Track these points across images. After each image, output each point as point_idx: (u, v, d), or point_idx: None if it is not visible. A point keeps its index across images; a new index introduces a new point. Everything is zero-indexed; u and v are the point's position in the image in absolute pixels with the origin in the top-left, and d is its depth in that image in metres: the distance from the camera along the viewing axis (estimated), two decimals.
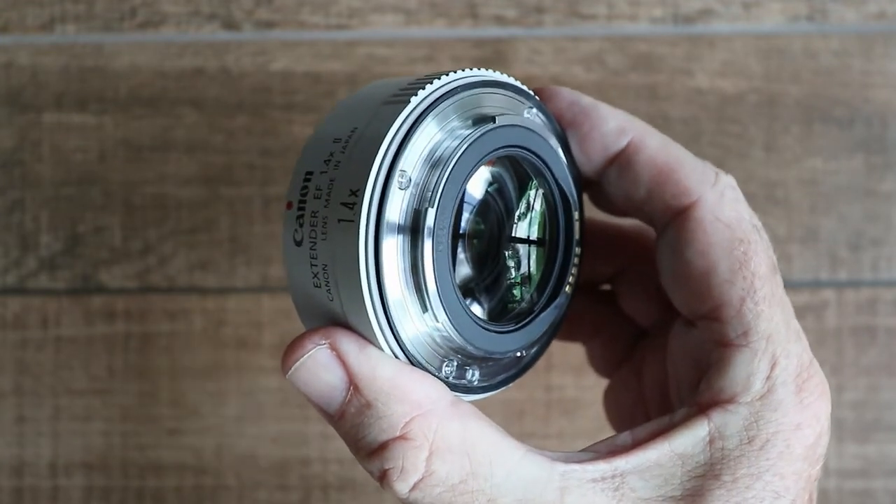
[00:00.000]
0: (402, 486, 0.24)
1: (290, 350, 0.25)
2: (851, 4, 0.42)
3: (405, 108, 0.25)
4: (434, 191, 0.25)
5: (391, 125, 0.25)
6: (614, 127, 0.27)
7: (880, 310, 0.42)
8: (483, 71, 0.27)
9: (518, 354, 0.29)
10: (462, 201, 0.26)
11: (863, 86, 0.42)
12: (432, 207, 0.24)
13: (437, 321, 0.25)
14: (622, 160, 0.28)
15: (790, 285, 0.42)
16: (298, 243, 0.25)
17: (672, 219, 0.27)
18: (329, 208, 0.24)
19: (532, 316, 0.28)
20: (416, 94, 0.25)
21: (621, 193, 0.28)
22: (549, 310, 0.29)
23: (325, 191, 0.25)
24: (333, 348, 0.25)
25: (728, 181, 0.27)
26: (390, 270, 0.24)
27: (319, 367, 0.25)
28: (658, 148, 0.27)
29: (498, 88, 0.27)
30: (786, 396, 0.25)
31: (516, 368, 0.29)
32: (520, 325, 0.28)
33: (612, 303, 0.33)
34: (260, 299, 0.42)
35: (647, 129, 0.28)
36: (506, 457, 0.24)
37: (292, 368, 0.25)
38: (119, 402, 0.42)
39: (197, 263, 0.42)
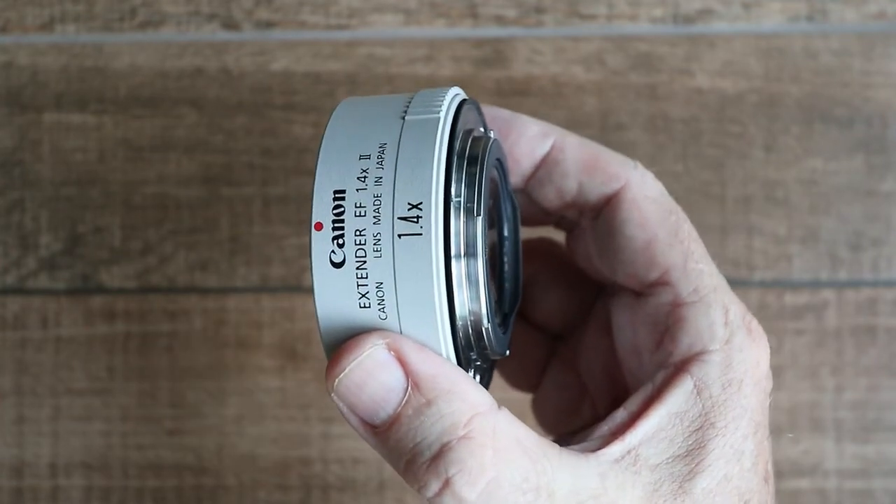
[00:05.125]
0: (470, 492, 0.23)
1: (343, 352, 0.24)
2: (851, 4, 0.42)
3: (438, 122, 0.24)
4: (477, 200, 0.24)
5: (435, 136, 0.24)
6: (538, 132, 0.29)
7: (880, 310, 0.42)
8: (451, 90, 0.27)
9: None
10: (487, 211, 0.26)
11: (863, 86, 0.42)
12: (479, 216, 0.24)
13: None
14: (549, 160, 0.29)
15: (790, 285, 0.42)
16: (339, 265, 0.24)
17: (605, 203, 0.29)
18: (381, 224, 0.24)
19: (509, 318, 0.30)
20: (440, 109, 0.25)
21: (553, 190, 0.29)
22: (515, 311, 0.30)
23: (371, 207, 0.24)
24: (392, 348, 0.24)
25: (641, 166, 0.29)
26: (458, 280, 0.24)
27: (377, 365, 0.24)
28: (579, 144, 0.29)
29: (472, 105, 0.27)
30: (742, 338, 0.27)
31: (490, 371, 0.30)
32: (504, 326, 0.29)
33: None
34: (260, 299, 0.42)
35: (565, 131, 0.29)
36: (550, 453, 0.24)
37: (346, 370, 0.24)
38: (119, 402, 0.42)
39: (197, 263, 0.42)
